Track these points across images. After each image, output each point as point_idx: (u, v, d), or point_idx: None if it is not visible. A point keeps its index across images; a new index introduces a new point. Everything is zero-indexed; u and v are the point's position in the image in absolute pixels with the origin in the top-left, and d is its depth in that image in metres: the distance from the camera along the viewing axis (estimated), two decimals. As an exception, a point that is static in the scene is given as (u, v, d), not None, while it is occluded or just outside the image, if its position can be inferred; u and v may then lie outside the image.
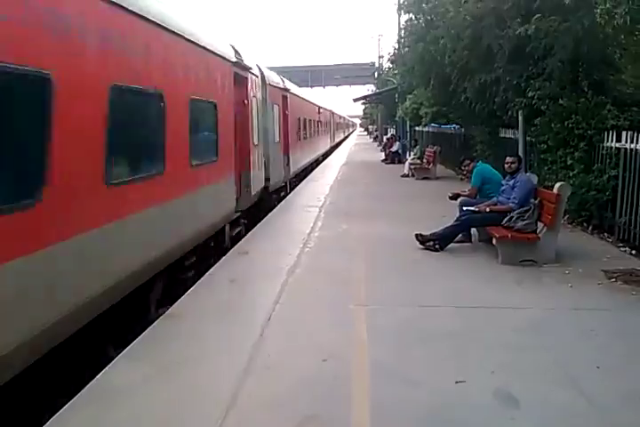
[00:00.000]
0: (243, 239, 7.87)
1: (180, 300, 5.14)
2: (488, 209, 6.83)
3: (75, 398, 3.26)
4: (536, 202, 6.52)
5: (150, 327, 4.42)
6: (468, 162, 8.28)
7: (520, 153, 9.50)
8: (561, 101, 8.56)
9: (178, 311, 4.82)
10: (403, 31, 18.54)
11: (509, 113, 10.27)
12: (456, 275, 5.91)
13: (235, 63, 8.13)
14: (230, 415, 3.06)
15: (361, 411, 3.13)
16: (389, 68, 32.41)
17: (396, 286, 5.53)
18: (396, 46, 20.07)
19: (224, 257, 6.80)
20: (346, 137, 59.27)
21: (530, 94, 8.89)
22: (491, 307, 4.88)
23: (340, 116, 48.45)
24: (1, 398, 3.10)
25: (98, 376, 3.55)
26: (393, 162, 21.12)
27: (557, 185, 6.41)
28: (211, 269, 6.24)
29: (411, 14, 13.71)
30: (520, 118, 10.07)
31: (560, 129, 8.56)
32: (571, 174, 8.19)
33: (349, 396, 3.30)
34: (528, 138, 10.10)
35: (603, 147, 7.90)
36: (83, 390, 3.35)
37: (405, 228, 7.83)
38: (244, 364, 3.72)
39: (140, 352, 3.97)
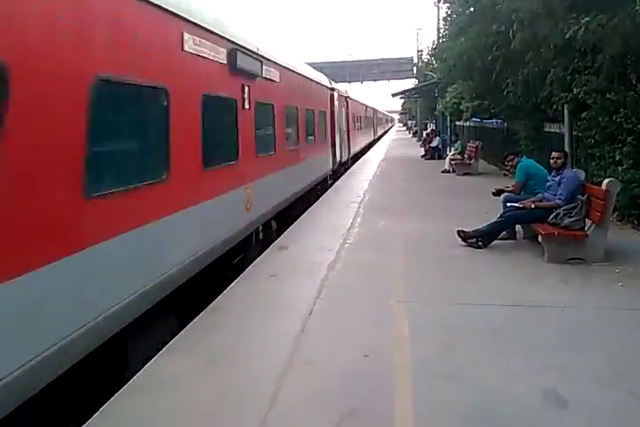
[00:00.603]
0: (283, 234, 7.92)
1: (222, 293, 5.22)
2: (533, 205, 6.66)
3: (124, 387, 3.36)
4: (584, 198, 6.32)
5: (194, 320, 4.51)
6: (511, 157, 8.09)
7: (566, 148, 9.24)
8: (609, 95, 8.26)
9: (220, 305, 4.89)
10: (442, 24, 18.27)
11: (554, 107, 9.99)
12: (500, 273, 5.80)
13: (330, 88, 15.05)
14: (273, 409, 3.09)
15: (404, 407, 3.11)
16: (428, 62, 31.98)
17: (438, 282, 5.47)
18: (436, 40, 19.75)
19: (265, 252, 6.87)
20: (385, 131, 59.68)
21: (576, 89, 8.62)
22: (536, 306, 4.77)
23: (381, 112, 50.97)
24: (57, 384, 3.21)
25: (145, 367, 3.65)
26: (433, 157, 20.86)
27: (606, 181, 6.20)
28: (252, 264, 6.30)
29: (450, 8, 13.49)
30: (566, 112, 9.78)
31: (608, 123, 8.27)
32: (619, 170, 7.90)
33: (392, 391, 3.28)
34: (574, 132, 9.79)
35: (653, 141, 7.60)
36: (131, 380, 3.45)
37: (446, 224, 7.73)
38: (285, 358, 3.75)
39: (184, 345, 4.05)
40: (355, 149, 21.88)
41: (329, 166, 14.46)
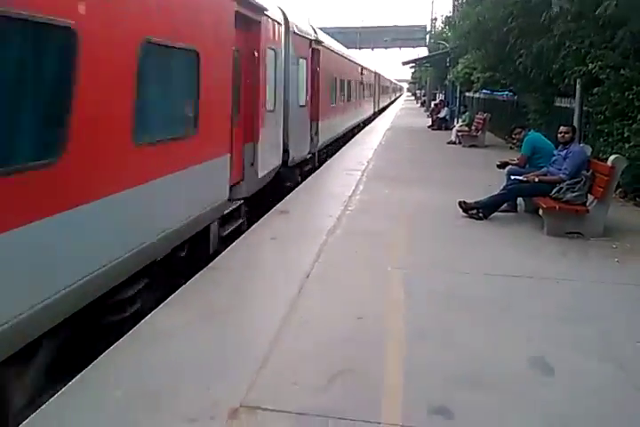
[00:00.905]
0: (284, 199, 7.90)
1: (222, 254, 5.27)
2: (537, 179, 6.64)
3: (121, 339, 3.44)
4: (588, 174, 6.30)
5: (193, 278, 4.57)
6: (519, 130, 8.01)
7: (575, 123, 9.12)
8: (623, 71, 8.10)
9: (220, 265, 4.95)
10: None
11: (566, 81, 9.81)
12: (499, 244, 5.83)
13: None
14: (267, 364, 3.17)
15: (394, 369, 3.19)
16: (442, 31, 31.26)
17: (436, 251, 5.51)
18: (452, 8, 19.26)
19: (265, 215, 6.89)
20: (392, 102, 57.91)
21: (593, 64, 8.44)
22: (532, 277, 4.81)
23: (387, 79, 45.76)
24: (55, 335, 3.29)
25: (142, 321, 3.73)
26: (440, 128, 20.64)
27: (612, 157, 6.16)
28: (252, 227, 6.34)
29: None
30: (577, 87, 9.61)
31: (619, 99, 8.15)
32: (627, 147, 7.83)
33: (382, 353, 3.36)
34: (585, 108, 9.66)
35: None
36: (131, 331, 3.53)
37: (449, 195, 7.73)
38: (281, 317, 3.82)
39: (182, 300, 4.12)
40: (330, 135, 13.82)
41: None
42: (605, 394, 3.03)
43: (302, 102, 10.14)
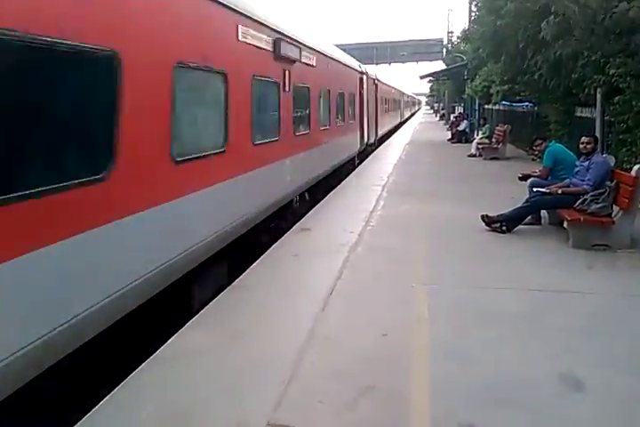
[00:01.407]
0: (305, 216, 7.97)
1: (245, 272, 5.32)
2: (560, 191, 6.57)
3: (149, 359, 3.49)
4: (612, 185, 6.22)
5: (218, 297, 4.62)
6: (539, 142, 7.96)
7: (597, 133, 9.04)
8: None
9: (244, 283, 5.00)
10: (474, 4, 17.84)
11: (586, 90, 9.75)
12: (523, 257, 5.77)
13: (359, 72, 15.51)
14: (293, 383, 3.19)
15: (420, 385, 3.17)
16: (459, 43, 31.35)
17: (460, 266, 5.47)
18: (468, 21, 19.33)
19: (287, 233, 6.94)
20: (412, 114, 58.93)
21: (610, 72, 8.38)
22: (559, 291, 4.75)
23: (408, 95, 50.04)
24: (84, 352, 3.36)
25: (169, 341, 3.78)
26: (460, 141, 20.59)
27: (636, 167, 6.07)
28: (274, 244, 6.39)
29: None
30: (598, 96, 9.55)
31: (642, 108, 8.07)
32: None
33: (408, 370, 3.34)
34: (606, 117, 9.56)
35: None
36: (157, 351, 3.58)
37: (471, 209, 7.68)
38: (306, 335, 3.84)
39: (208, 320, 4.17)
40: (381, 131, 22.31)
41: (356, 147, 15.02)
42: (637, 409, 2.97)
43: (372, 112, 18.45)
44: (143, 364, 3.43)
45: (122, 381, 3.23)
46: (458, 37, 27.69)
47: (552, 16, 8.74)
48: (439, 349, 3.63)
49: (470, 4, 21.64)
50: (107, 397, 3.06)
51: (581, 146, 6.68)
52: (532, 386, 3.17)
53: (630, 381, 3.24)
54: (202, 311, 4.33)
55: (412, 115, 60.36)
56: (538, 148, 8.04)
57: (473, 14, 18.94)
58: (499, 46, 12.34)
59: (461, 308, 4.37)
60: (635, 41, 7.92)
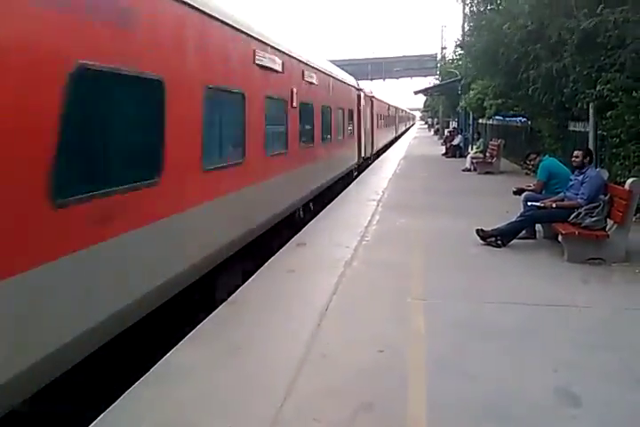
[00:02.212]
0: (301, 231, 7.97)
1: (240, 288, 5.30)
2: (554, 205, 6.61)
3: (145, 376, 3.46)
4: (606, 198, 6.26)
5: (212, 313, 4.59)
6: (533, 156, 8.03)
7: (590, 147, 9.11)
8: (635, 94, 8.13)
9: (239, 299, 4.97)
10: (467, 20, 18.11)
11: (579, 105, 9.86)
12: (518, 272, 5.77)
13: (357, 89, 16.33)
14: (288, 400, 3.15)
15: (417, 402, 3.14)
16: (453, 60, 31.76)
17: (456, 281, 5.46)
18: (460, 37, 19.60)
19: (282, 248, 6.93)
20: (407, 129, 59.62)
21: (600, 87, 8.50)
22: (554, 305, 4.75)
23: (402, 110, 50.92)
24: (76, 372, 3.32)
25: (164, 358, 3.74)
26: (454, 156, 20.73)
27: (629, 181, 6.12)
28: (270, 260, 6.38)
29: (474, 3, 13.38)
30: (591, 111, 9.65)
31: (634, 122, 8.15)
32: (644, 170, 7.79)
33: (405, 387, 3.31)
34: (599, 131, 9.66)
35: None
36: (153, 368, 3.54)
37: (466, 223, 7.70)
38: (301, 352, 3.81)
39: (203, 336, 4.14)
40: (377, 145, 23.07)
41: (354, 161, 15.92)
42: (636, 425, 2.95)
43: (368, 127, 19.29)
44: (137, 382, 3.39)
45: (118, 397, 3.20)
46: (454, 52, 28.02)
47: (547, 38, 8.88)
48: (436, 365, 3.61)
49: (464, 20, 21.99)
50: (100, 416, 3.02)
51: (573, 160, 6.74)
52: (531, 402, 3.14)
53: (629, 395, 3.23)
54: (197, 327, 4.29)
55: (407, 130, 60.80)
56: (532, 162, 8.11)
57: (466, 30, 19.19)
58: (491, 62, 12.50)
59: (458, 323, 4.35)
60: (624, 55, 8.02)
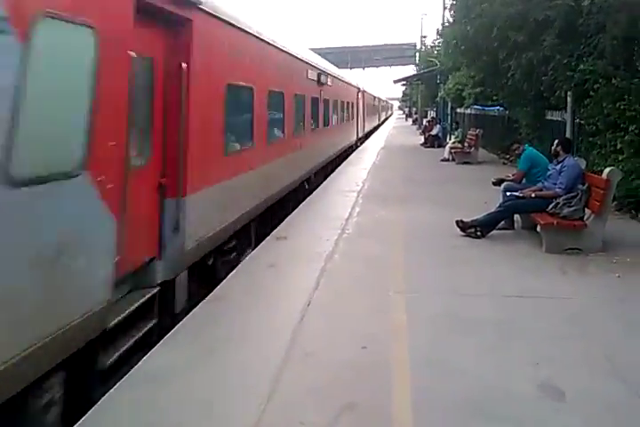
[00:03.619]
0: (281, 224, 7.90)
1: (221, 284, 5.22)
2: (533, 195, 6.64)
3: (124, 378, 3.38)
4: (584, 188, 6.30)
5: (192, 311, 4.51)
6: (517, 145, 8.05)
7: (568, 136, 9.18)
8: (613, 81, 8.18)
9: (219, 295, 4.89)
10: (448, 8, 18.02)
11: (557, 93, 9.90)
12: (498, 263, 5.80)
13: (356, 87, 21.33)
14: (272, 400, 3.10)
15: (401, 399, 3.13)
16: (432, 47, 31.73)
17: (436, 273, 5.47)
18: (441, 26, 19.53)
19: (263, 242, 6.86)
20: (387, 118, 61.68)
21: (583, 67, 8.50)
22: (534, 296, 4.78)
23: (383, 100, 54.55)
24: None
25: (144, 358, 3.66)
26: (432, 146, 20.77)
27: (607, 170, 6.17)
28: (250, 254, 6.30)
29: None
30: (569, 99, 9.70)
31: (611, 110, 8.21)
32: (620, 158, 7.87)
33: (389, 383, 3.29)
34: (576, 120, 9.73)
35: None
36: (131, 371, 3.46)
37: (445, 214, 7.72)
38: (284, 349, 3.76)
39: (182, 336, 4.05)
40: (365, 130, 28.64)
41: (355, 137, 22.81)
42: (619, 415, 2.98)
43: (361, 115, 25.06)
44: (116, 385, 3.31)
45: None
46: (434, 41, 27.97)
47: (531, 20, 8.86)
48: (419, 360, 3.59)
49: (444, 9, 21.92)
50: (80, 420, 2.94)
51: (553, 149, 6.78)
52: (514, 395, 3.15)
53: (611, 385, 3.26)
54: (176, 327, 4.20)
55: (387, 118, 61.18)
56: (515, 151, 8.13)
57: (447, 18, 19.14)
58: (471, 50, 12.48)
59: (439, 316, 4.35)
60: (604, 42, 8.05)
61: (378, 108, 43.50)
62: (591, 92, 8.68)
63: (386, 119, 59.23)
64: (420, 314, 4.40)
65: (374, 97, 37.21)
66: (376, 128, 39.70)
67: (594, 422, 2.92)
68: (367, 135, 29.52)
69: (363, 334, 4.02)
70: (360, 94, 23.98)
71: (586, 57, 8.74)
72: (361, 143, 24.43)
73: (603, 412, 3.01)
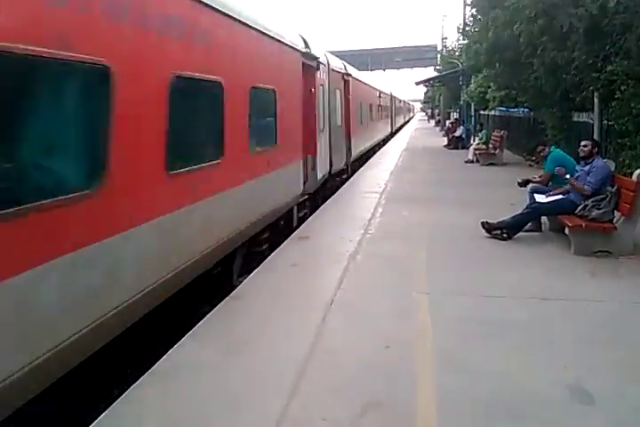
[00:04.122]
0: (304, 224, 7.90)
1: (243, 282, 5.23)
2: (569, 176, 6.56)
3: (148, 372, 3.39)
4: (613, 190, 6.15)
5: (216, 308, 4.52)
6: (542, 147, 7.92)
7: (595, 137, 9.00)
8: (641, 81, 8.01)
9: (242, 293, 4.90)
10: (469, 9, 17.85)
11: (583, 94, 9.72)
12: (525, 265, 5.69)
13: (303, 53, 8.52)
14: (295, 398, 3.09)
15: (426, 398, 3.08)
16: (454, 50, 31.49)
17: (461, 274, 5.39)
18: (462, 26, 19.35)
19: (285, 241, 6.85)
20: (406, 122, 57.77)
21: (611, 68, 8.35)
22: (562, 299, 4.67)
23: (400, 100, 46.61)
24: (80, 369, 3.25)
25: (168, 353, 3.68)
26: (456, 147, 20.57)
27: (637, 172, 6.00)
28: (272, 254, 6.30)
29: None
30: (596, 100, 9.52)
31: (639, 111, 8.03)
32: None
33: (414, 382, 3.25)
34: (604, 121, 9.53)
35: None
36: (154, 367, 3.48)
37: (470, 215, 7.62)
38: (307, 348, 3.74)
39: (206, 332, 4.07)
40: (359, 149, 16.50)
41: (388, 131, 25.99)
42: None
43: (339, 123, 12.56)
44: (143, 377, 3.33)
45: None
46: (457, 40, 27.56)
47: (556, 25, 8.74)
48: (444, 361, 3.54)
49: (464, 6, 21.76)
50: (105, 411, 2.96)
51: (580, 149, 6.64)
52: (542, 398, 3.08)
53: (638, 391, 3.16)
54: (200, 323, 4.23)
55: (407, 122, 60.02)
56: (541, 153, 8.00)
57: (467, 20, 18.97)
58: (494, 52, 12.34)
59: (464, 318, 4.28)
60: (629, 41, 7.88)
61: (404, 109, 42.44)
62: (618, 93, 8.49)
63: (408, 121, 58.25)
64: (443, 315, 4.34)
65: (402, 101, 37.91)
66: (404, 124, 41.49)
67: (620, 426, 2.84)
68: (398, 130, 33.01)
69: (386, 333, 3.98)
70: (387, 97, 25.76)
71: (612, 57, 8.56)
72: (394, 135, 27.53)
73: (631, 417, 2.93)
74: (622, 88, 8.35)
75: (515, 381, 3.28)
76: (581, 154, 6.60)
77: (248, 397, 3.13)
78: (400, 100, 44.63)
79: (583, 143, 6.62)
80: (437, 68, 39.39)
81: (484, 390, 3.17)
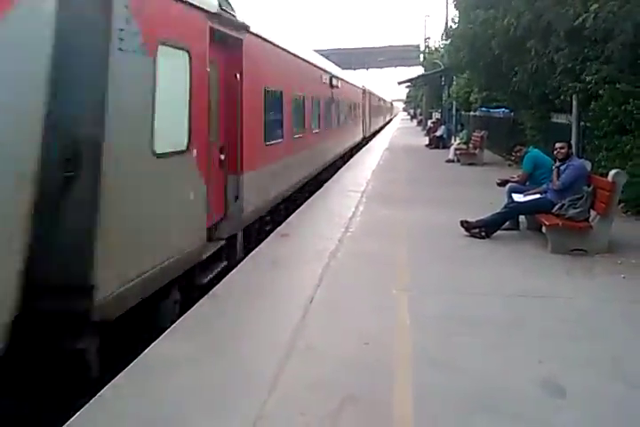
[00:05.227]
0: (284, 223, 7.89)
1: (223, 280, 5.21)
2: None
3: (125, 370, 3.36)
4: (589, 189, 6.27)
5: (195, 306, 4.50)
6: (519, 148, 8.03)
7: (574, 139, 9.17)
8: (618, 85, 8.16)
9: (221, 292, 4.88)
10: (453, 7, 17.97)
11: (562, 97, 9.88)
12: (503, 263, 5.77)
13: (362, 89, 23.04)
14: (273, 394, 3.09)
15: (403, 395, 3.11)
16: (436, 49, 31.72)
17: (440, 272, 5.44)
18: (444, 26, 19.50)
19: (266, 240, 6.84)
20: (391, 119, 62.53)
21: (587, 78, 8.51)
22: (538, 296, 4.75)
23: (387, 101, 55.87)
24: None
25: (145, 351, 3.65)
26: (437, 147, 20.73)
27: (612, 172, 6.14)
28: (252, 251, 6.29)
29: None
30: (574, 103, 9.68)
31: (617, 113, 8.18)
32: (629, 164, 7.82)
33: (391, 379, 3.28)
34: (582, 123, 9.70)
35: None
36: (129, 365, 3.44)
37: (450, 214, 7.69)
38: (286, 344, 3.75)
39: (185, 330, 4.05)
40: (372, 129, 31.17)
41: (360, 136, 24.73)
42: (620, 415, 2.95)
43: (367, 115, 26.92)
44: (118, 376, 3.30)
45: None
46: (440, 40, 27.99)
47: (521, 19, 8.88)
48: (422, 357, 3.57)
49: (447, 6, 21.93)
50: (79, 411, 2.93)
51: (555, 151, 6.75)
52: (517, 394, 3.13)
53: (614, 386, 3.23)
54: (178, 321, 4.20)
55: (391, 119, 61.16)
56: (518, 153, 8.11)
57: (450, 20, 19.14)
58: (475, 54, 12.46)
59: (442, 315, 4.33)
60: (611, 47, 8.02)
61: (382, 108, 45.91)
62: (598, 94, 8.64)
63: (391, 119, 59.30)
64: (423, 312, 4.39)
65: (378, 98, 40.37)
66: (385, 125, 44.69)
67: (593, 422, 2.90)
68: (378, 130, 35.71)
69: (365, 330, 4.00)
70: (366, 95, 26.89)
71: (591, 60, 8.71)
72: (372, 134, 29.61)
73: (604, 411, 2.98)
74: (600, 92, 8.50)
75: (491, 377, 3.33)
76: (559, 156, 6.70)
77: (227, 394, 3.12)
78: (379, 99, 44.39)
79: (559, 145, 6.72)
80: (424, 65, 39.58)
81: (461, 385, 3.21)
